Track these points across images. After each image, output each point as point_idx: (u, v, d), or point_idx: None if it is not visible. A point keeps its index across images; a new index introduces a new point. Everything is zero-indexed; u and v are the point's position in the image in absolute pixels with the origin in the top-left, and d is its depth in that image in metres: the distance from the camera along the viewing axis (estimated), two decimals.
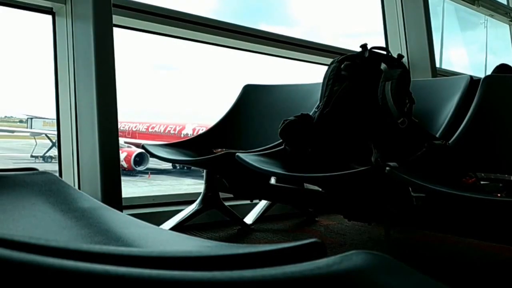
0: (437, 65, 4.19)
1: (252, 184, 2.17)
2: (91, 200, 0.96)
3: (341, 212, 2.09)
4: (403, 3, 4.06)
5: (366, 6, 4.42)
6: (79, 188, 2.24)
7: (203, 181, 2.43)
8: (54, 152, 6.90)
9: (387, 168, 1.60)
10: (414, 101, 1.91)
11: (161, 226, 2.15)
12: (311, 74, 3.71)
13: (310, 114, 2.00)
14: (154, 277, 0.30)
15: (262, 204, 2.73)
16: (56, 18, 2.36)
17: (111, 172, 2.20)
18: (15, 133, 7.86)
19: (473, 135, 1.91)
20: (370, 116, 1.93)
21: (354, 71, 2.00)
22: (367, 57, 2.02)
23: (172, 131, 14.97)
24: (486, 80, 2.04)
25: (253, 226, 2.60)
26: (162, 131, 15.26)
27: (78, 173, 2.30)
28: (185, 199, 2.58)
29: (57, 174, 2.21)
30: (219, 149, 2.34)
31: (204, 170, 2.39)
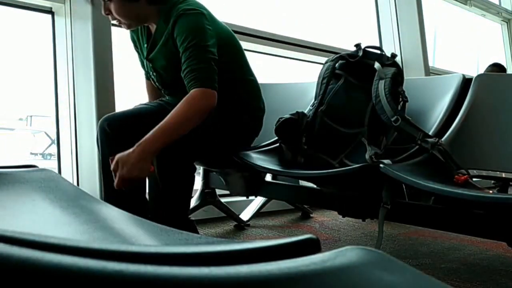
0: (430, 63, 4.20)
1: (248, 180, 2.19)
2: (89, 197, 0.95)
3: (335, 208, 2.11)
4: (396, 2, 4.06)
5: (360, 5, 4.43)
6: (78, 185, 2.26)
7: (200, 178, 2.45)
8: (52, 149, 6.89)
9: (381, 165, 1.62)
10: (407, 99, 1.93)
11: None
12: (306, 73, 3.72)
13: (305, 112, 2.01)
14: (151, 273, 0.30)
15: (258, 200, 2.75)
16: (55, 17, 2.37)
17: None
18: (14, 131, 7.83)
19: (466, 133, 1.93)
20: (364, 114, 1.96)
21: (348, 70, 2.02)
22: (361, 56, 2.04)
23: None
24: (478, 79, 2.06)
25: (249, 222, 2.62)
26: None
27: (77, 170, 2.32)
28: None
29: (57, 171, 2.23)
30: None
31: (201, 167, 2.41)
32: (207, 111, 1.69)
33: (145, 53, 1.90)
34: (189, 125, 1.66)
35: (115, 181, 1.59)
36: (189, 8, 1.75)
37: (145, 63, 1.95)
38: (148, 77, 2.04)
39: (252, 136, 2.03)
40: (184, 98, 1.68)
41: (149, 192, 1.76)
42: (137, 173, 1.56)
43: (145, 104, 1.99)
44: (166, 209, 1.71)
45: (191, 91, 1.68)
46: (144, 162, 1.57)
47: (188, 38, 1.71)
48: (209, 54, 1.74)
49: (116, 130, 1.80)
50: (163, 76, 1.90)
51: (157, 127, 1.61)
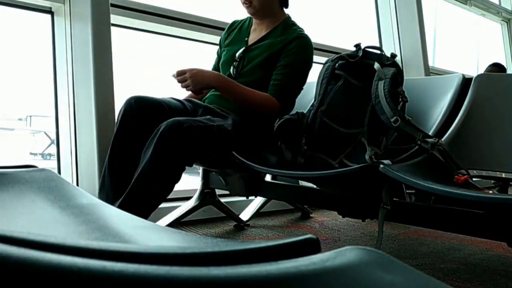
0: (430, 63, 4.20)
1: (247, 181, 2.19)
2: (89, 197, 0.95)
3: (335, 208, 2.10)
4: (396, 2, 4.06)
5: (360, 5, 4.42)
6: (77, 185, 2.26)
7: (199, 178, 2.45)
8: (52, 149, 6.88)
9: (381, 165, 1.62)
10: (407, 100, 1.93)
11: (157, 222, 2.17)
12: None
13: (305, 112, 2.01)
14: (150, 273, 0.30)
15: (257, 200, 2.75)
16: (55, 17, 2.37)
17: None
18: (14, 131, 7.84)
19: (466, 133, 1.93)
20: (364, 114, 1.95)
21: (348, 70, 2.02)
22: (361, 56, 2.04)
23: None
24: (478, 79, 2.06)
25: (248, 222, 2.61)
26: None
27: (77, 170, 2.32)
28: (182, 196, 2.59)
29: (56, 171, 2.23)
30: None
31: (201, 167, 2.41)
32: (264, 113, 2.07)
33: (244, 44, 2.23)
34: (248, 103, 2.06)
35: (185, 79, 1.94)
36: (309, 38, 2.18)
37: (235, 51, 2.22)
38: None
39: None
40: (264, 93, 2.07)
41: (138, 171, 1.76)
42: (198, 82, 1.95)
43: (176, 99, 2.09)
44: (145, 193, 1.74)
45: (270, 94, 2.07)
46: (207, 83, 2.01)
47: (298, 58, 2.12)
48: (300, 82, 2.16)
49: (141, 108, 1.90)
50: (245, 66, 2.17)
51: (236, 83, 2.06)
